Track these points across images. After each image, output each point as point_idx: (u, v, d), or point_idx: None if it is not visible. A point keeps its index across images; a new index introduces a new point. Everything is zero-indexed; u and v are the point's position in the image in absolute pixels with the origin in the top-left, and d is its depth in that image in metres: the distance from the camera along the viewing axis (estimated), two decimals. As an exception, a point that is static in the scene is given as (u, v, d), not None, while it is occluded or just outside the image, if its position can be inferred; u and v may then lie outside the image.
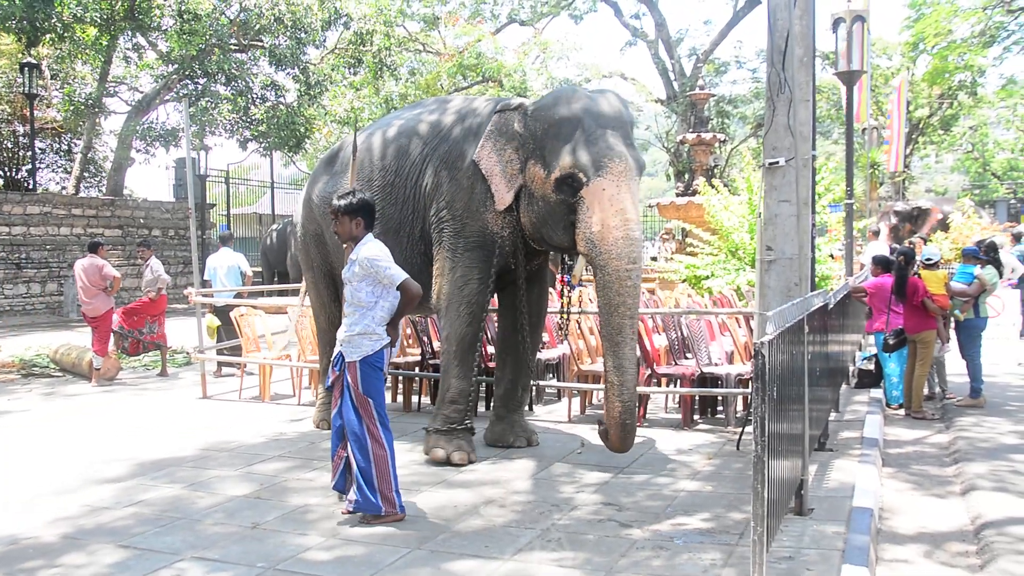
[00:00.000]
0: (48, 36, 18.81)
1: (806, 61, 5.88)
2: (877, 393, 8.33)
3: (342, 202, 4.93)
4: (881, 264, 8.25)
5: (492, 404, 6.80)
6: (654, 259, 23.13)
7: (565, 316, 6.98)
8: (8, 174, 26.06)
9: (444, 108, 6.70)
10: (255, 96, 21.79)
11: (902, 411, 7.90)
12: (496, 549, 4.31)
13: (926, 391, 8.22)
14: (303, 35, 20.83)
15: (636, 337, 5.62)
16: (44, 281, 19.40)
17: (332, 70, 22.85)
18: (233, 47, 21.21)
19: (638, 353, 7.77)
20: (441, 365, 6.32)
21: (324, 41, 22.66)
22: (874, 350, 8.42)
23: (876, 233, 15.03)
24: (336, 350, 4.91)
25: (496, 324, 6.96)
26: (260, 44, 21.36)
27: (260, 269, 21.17)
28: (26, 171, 24.61)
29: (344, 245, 5.11)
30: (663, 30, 31.19)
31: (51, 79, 23.93)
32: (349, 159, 6.97)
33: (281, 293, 13.75)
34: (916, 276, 7.91)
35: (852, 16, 11.54)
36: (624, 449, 5.54)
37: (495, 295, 6.55)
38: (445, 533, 4.57)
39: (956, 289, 8.07)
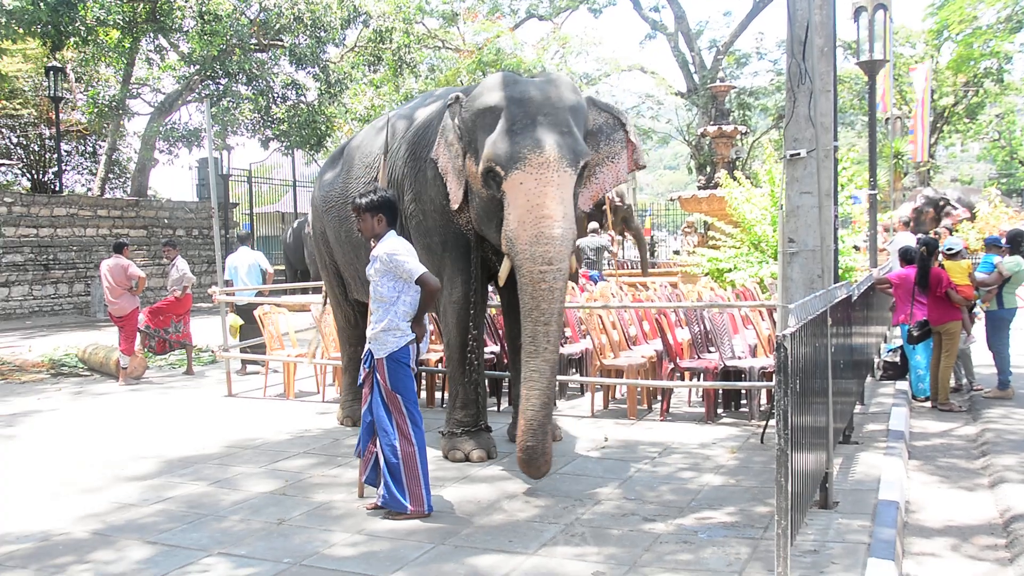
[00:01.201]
0: (72, 40, 19.02)
1: (827, 51, 5.84)
2: (903, 385, 8.26)
3: (364, 200, 4.93)
4: (905, 257, 8.18)
5: (513, 401, 6.76)
6: (676, 252, 23.08)
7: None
8: (35, 177, 26.40)
9: (425, 100, 6.60)
10: (276, 95, 21.93)
11: (928, 403, 7.82)
12: (520, 544, 4.32)
13: (953, 383, 8.14)
14: (323, 34, 20.94)
15: (553, 348, 5.11)
16: (71, 282, 19.65)
17: (352, 68, 22.96)
18: (254, 47, 21.35)
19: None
20: (447, 370, 6.28)
21: (344, 39, 22.78)
22: (899, 342, 8.34)
23: (907, 223, 14.86)
24: (366, 347, 4.94)
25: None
26: (280, 43, 21.49)
27: (284, 268, 21.33)
28: (52, 173, 24.93)
29: (371, 242, 5.09)
30: (683, 23, 31.06)
31: (75, 82, 24.21)
32: (348, 160, 6.96)
33: (303, 291, 13.83)
34: (939, 267, 7.83)
35: (874, 4, 11.43)
36: (532, 475, 5.08)
37: (497, 294, 6.49)
38: (469, 528, 4.59)
39: (979, 279, 7.99)
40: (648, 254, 17.96)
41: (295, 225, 20.59)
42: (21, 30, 17.64)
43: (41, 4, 17.22)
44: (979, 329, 8.51)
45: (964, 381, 8.44)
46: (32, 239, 18.86)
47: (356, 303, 7.21)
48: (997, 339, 8.04)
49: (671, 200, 22.57)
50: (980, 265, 8.35)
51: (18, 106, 24.78)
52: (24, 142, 26.19)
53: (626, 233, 18.95)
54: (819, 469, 4.49)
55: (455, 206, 5.73)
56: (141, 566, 4.17)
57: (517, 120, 5.39)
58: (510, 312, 6.51)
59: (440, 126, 5.84)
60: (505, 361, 7.41)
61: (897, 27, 29.79)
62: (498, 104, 5.51)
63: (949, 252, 8.04)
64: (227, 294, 10.07)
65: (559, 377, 7.76)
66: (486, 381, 6.58)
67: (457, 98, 5.83)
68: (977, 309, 8.24)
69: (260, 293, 10.99)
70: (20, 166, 26.69)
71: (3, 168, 25.40)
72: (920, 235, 11.70)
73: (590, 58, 33.43)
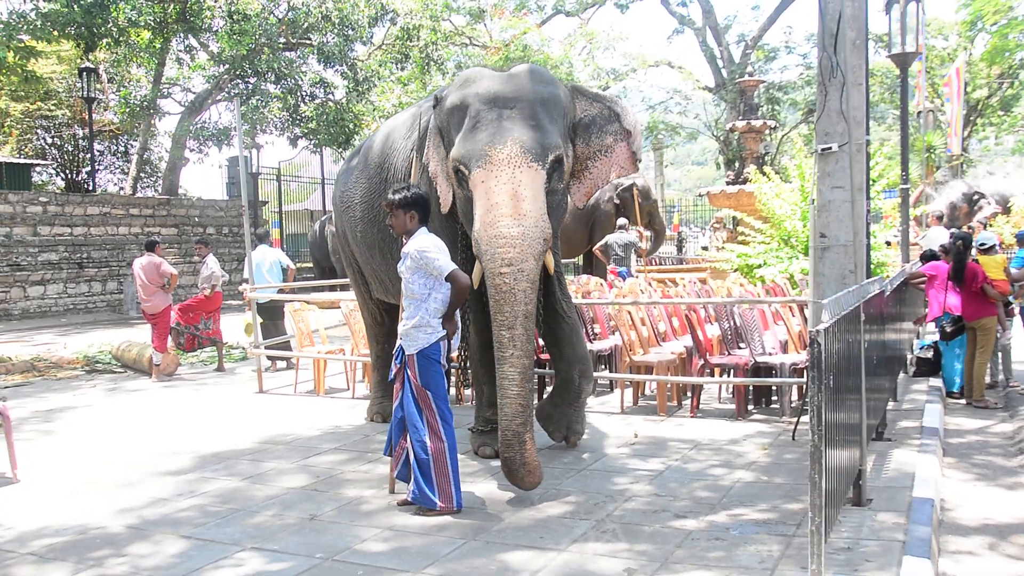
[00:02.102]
0: (105, 41, 19.28)
1: (859, 44, 5.76)
2: (936, 382, 8.16)
3: (396, 196, 4.92)
4: (927, 258, 8.09)
5: (553, 389, 6.27)
6: (705, 248, 22.95)
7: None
8: (69, 176, 26.83)
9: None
10: (304, 94, 22.09)
11: (963, 400, 7.72)
12: (551, 540, 4.31)
13: (988, 379, 8.02)
14: (350, 32, 21.06)
15: (522, 352, 4.91)
16: (105, 280, 19.91)
17: (380, 66, 23.05)
18: (282, 46, 21.52)
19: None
20: (471, 369, 6.19)
21: (371, 37, 22.89)
22: (932, 338, 8.23)
23: (940, 218, 14.66)
24: (397, 343, 4.95)
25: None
26: (308, 42, 21.64)
27: (311, 265, 21.50)
28: (86, 173, 25.31)
29: (403, 239, 5.08)
30: (710, 17, 30.82)
31: (108, 83, 24.55)
32: (363, 160, 6.96)
33: (330, 288, 13.93)
34: (974, 261, 7.72)
35: (906, -4, 11.28)
36: (518, 485, 4.91)
37: None
38: (500, 524, 4.59)
39: (1015, 274, 7.88)
40: (657, 248, 18.14)
41: (319, 223, 20.80)
42: (56, 32, 17.92)
43: (75, 6, 17.48)
44: (1016, 325, 8.39)
45: (1000, 377, 8.32)
46: (66, 238, 19.14)
47: (380, 301, 7.23)
48: (1034, 335, 7.93)
49: (699, 196, 22.45)
50: (1013, 260, 8.24)
51: (52, 107, 25.22)
52: (58, 142, 26.64)
53: (655, 228, 18.98)
54: (852, 466, 4.45)
55: (445, 209, 5.61)
56: (176, 560, 4.22)
57: (482, 116, 5.25)
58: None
59: (428, 129, 5.77)
60: (538, 356, 7.38)
61: (929, 19, 29.38)
62: (464, 101, 5.39)
63: (983, 247, 7.93)
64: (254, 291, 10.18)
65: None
66: None
67: (437, 98, 5.73)
68: (1014, 304, 8.13)
69: (281, 290, 11.08)
70: (55, 166, 27.15)
71: (38, 168, 25.81)
72: (954, 230, 11.55)
73: (617, 53, 33.33)
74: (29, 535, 4.66)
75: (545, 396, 7.51)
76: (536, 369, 7.20)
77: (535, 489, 5.06)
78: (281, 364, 10.56)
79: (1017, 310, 8.18)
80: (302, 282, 13.33)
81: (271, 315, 10.78)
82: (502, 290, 4.94)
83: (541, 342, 7.43)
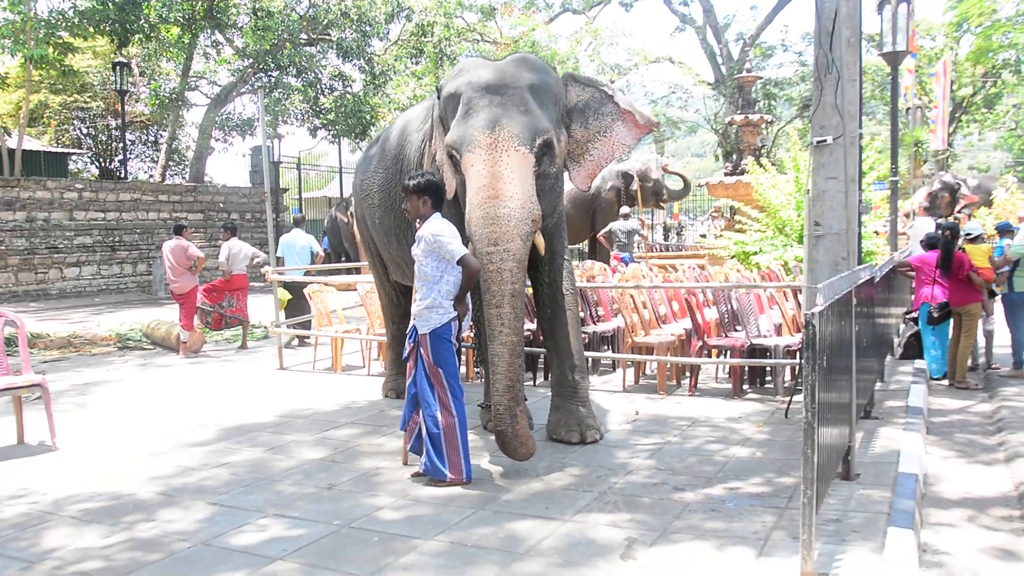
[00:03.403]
0: (137, 37, 19.26)
1: (853, 42, 5.71)
2: (921, 364, 8.12)
3: (411, 182, 4.89)
4: (930, 244, 8.05)
5: (551, 389, 6.06)
6: (703, 236, 22.87)
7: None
8: (103, 164, 26.87)
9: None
10: (324, 87, 22.05)
11: (946, 382, 7.68)
12: (556, 510, 4.31)
13: (969, 362, 7.97)
14: (368, 28, 20.98)
15: (510, 330, 4.82)
16: (135, 262, 19.95)
17: (395, 60, 22.98)
18: (303, 41, 21.45)
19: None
20: (479, 347, 6.15)
21: (387, 33, 22.79)
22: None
23: (927, 208, 14.54)
24: (411, 323, 4.94)
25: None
26: (328, 38, 21.56)
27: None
28: (118, 161, 25.34)
29: (416, 223, 5.05)
30: (711, 16, 30.60)
31: (139, 76, 24.52)
32: (380, 151, 6.93)
33: (347, 271, 13.95)
34: (961, 250, 7.68)
35: (897, -3, 11.16)
36: (512, 457, 4.87)
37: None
38: (507, 495, 4.58)
39: (998, 262, 7.84)
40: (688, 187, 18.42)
41: (331, 212, 20.85)
42: (91, 28, 17.91)
43: (109, 4, 17.46)
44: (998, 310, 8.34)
45: (981, 360, 8.27)
46: (100, 222, 19.18)
47: (397, 283, 7.21)
48: (1013, 320, 7.88)
49: (699, 186, 22.29)
50: (996, 250, 8.20)
51: (88, 99, 25.24)
52: (93, 132, 26.66)
53: (663, 204, 19.01)
54: (842, 442, 4.43)
55: (450, 195, 5.48)
56: (202, 525, 4.23)
57: (473, 103, 5.17)
58: (535, 291, 6.42)
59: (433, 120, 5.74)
60: (540, 338, 7.37)
61: (918, 20, 29.07)
62: (458, 90, 5.33)
63: (970, 236, 7.88)
64: (278, 272, 10.20)
65: (592, 354, 7.76)
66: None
67: (438, 89, 5.68)
68: (997, 291, 8.08)
69: (308, 272, 11.12)
70: (89, 155, 27.18)
71: (74, 157, 25.84)
72: (940, 220, 11.46)
73: (620, 49, 33.08)
74: (67, 499, 4.69)
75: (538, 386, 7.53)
76: (529, 348, 7.15)
77: (541, 462, 5.06)
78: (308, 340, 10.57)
79: (1000, 297, 8.12)
80: (330, 265, 13.38)
81: (299, 294, 10.83)
82: (490, 269, 4.85)
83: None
